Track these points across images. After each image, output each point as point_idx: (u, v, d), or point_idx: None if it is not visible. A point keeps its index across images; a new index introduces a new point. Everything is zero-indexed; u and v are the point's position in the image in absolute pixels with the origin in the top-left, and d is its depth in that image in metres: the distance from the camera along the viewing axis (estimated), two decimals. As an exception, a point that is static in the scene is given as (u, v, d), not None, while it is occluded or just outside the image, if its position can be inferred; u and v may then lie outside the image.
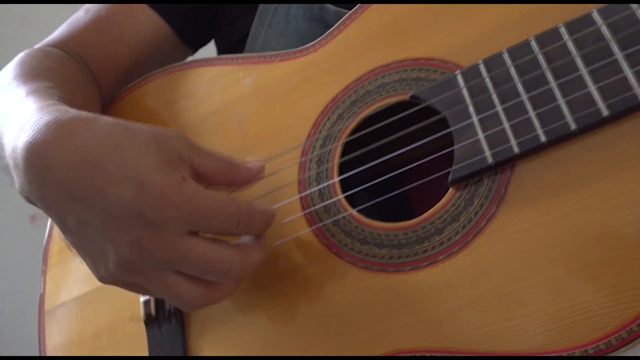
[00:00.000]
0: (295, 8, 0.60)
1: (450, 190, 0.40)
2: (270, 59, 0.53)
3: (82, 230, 0.37)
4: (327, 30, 0.51)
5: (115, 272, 0.37)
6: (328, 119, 0.48)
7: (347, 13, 0.51)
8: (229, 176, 0.41)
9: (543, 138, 0.36)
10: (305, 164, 0.47)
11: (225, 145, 0.52)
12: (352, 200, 0.45)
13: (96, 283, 0.54)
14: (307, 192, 0.46)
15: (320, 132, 0.47)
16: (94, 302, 0.54)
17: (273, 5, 0.61)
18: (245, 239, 0.41)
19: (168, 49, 0.66)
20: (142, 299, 0.50)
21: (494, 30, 0.42)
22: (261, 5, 0.62)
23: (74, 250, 0.39)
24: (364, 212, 0.44)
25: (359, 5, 0.50)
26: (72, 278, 0.56)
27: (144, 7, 0.64)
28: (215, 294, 0.39)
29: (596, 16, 0.37)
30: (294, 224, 0.45)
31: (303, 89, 0.50)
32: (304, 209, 0.45)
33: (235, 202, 0.38)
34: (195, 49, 0.70)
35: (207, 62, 0.57)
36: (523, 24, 0.41)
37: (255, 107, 0.52)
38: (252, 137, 0.51)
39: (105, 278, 0.38)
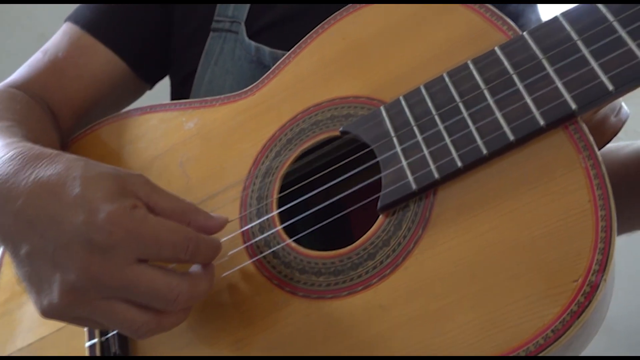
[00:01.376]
0: (239, 50, 0.63)
1: (380, 216, 0.42)
2: (211, 104, 0.56)
3: (33, 260, 0.37)
4: (265, 70, 0.54)
5: (61, 302, 0.37)
6: (267, 156, 0.50)
7: (281, 54, 0.54)
8: (185, 219, 0.41)
9: (459, 163, 0.40)
10: (246, 199, 0.49)
11: (170, 188, 0.53)
12: (299, 233, 0.47)
13: (41, 332, 0.54)
14: (248, 226, 0.47)
15: (259, 169, 0.50)
16: (39, 352, 0.54)
17: (219, 44, 0.64)
18: (194, 268, 0.42)
19: (126, 84, 0.68)
20: (87, 344, 0.50)
21: (412, 69, 0.46)
22: (208, 43, 0.65)
23: (23, 283, 0.39)
24: (309, 242, 0.46)
25: (291, 50, 0.53)
26: (17, 328, 0.56)
27: (99, 46, 0.66)
28: (165, 321, 0.39)
29: (498, 51, 0.41)
30: (236, 258, 0.47)
31: (242, 130, 0.53)
32: (245, 242, 0.47)
33: (184, 229, 0.39)
34: (152, 83, 0.72)
35: (151, 108, 0.59)
36: (437, 62, 0.45)
37: (197, 150, 0.54)
38: (195, 178, 0.53)
39: (48, 311, 0.38)
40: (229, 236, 0.48)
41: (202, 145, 0.54)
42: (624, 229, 0.53)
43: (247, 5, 0.65)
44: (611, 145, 0.51)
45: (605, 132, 0.45)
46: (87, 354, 0.50)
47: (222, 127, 0.54)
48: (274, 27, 0.64)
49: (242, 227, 0.48)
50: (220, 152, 0.53)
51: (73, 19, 0.67)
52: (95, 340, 0.49)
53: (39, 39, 0.67)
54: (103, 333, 0.49)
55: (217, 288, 0.46)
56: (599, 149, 0.46)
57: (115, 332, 0.49)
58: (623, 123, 0.47)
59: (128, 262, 0.36)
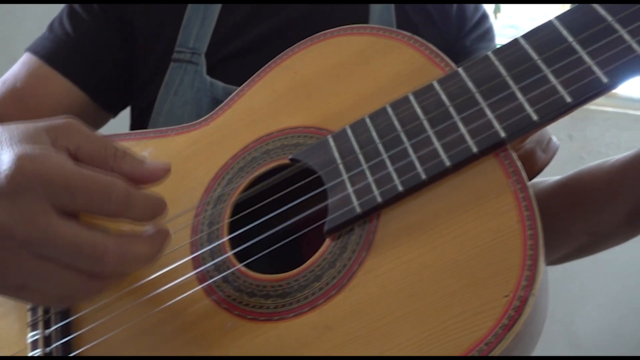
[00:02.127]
0: (198, 82, 0.65)
1: (327, 240, 0.44)
2: (166, 134, 0.57)
3: None
4: (219, 104, 0.56)
5: None
6: (219, 184, 0.51)
7: (234, 89, 0.56)
8: (107, 163, 0.38)
9: (400, 188, 0.42)
10: (197, 225, 0.50)
11: (122, 215, 0.54)
12: (253, 257, 0.48)
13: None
14: (199, 252, 0.48)
15: (211, 196, 0.51)
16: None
17: (179, 75, 0.66)
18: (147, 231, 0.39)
19: (87, 114, 0.68)
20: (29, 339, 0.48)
21: (358, 101, 0.49)
22: (168, 73, 0.66)
23: None
24: (264, 266, 0.47)
25: (245, 83, 0.55)
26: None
27: (57, 76, 0.66)
28: (92, 285, 0.36)
29: (436, 85, 0.44)
30: (187, 284, 0.47)
31: (196, 158, 0.54)
32: (195, 268, 0.48)
33: (107, 177, 0.36)
34: (115, 112, 0.73)
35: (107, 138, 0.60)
36: (381, 95, 0.48)
37: (151, 178, 0.55)
38: (147, 205, 0.53)
39: None
40: (180, 262, 0.48)
41: (155, 174, 0.55)
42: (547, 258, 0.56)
43: (209, 37, 0.67)
44: (533, 181, 0.54)
45: (533, 165, 0.49)
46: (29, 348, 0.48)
47: (177, 156, 0.55)
48: (234, 60, 0.66)
49: (192, 253, 0.48)
50: (174, 181, 0.53)
51: (32, 49, 0.67)
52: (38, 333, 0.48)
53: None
54: (46, 326, 0.48)
55: (166, 313, 0.46)
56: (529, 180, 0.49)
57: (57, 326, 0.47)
58: (552, 155, 0.51)
59: (44, 212, 0.33)
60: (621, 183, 0.47)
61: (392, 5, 0.68)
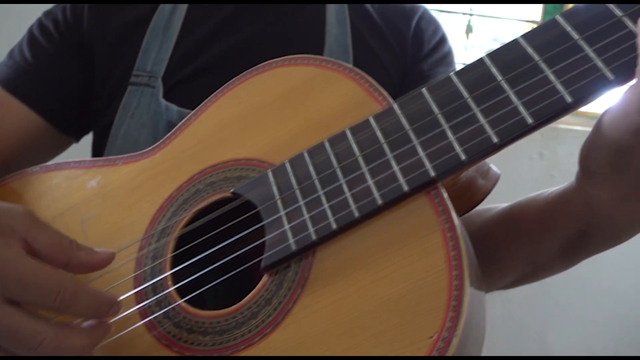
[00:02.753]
0: (154, 104, 0.65)
1: (264, 276, 0.44)
2: (114, 162, 0.57)
3: None
4: (173, 128, 0.56)
5: None
6: (163, 216, 0.51)
7: (188, 112, 0.56)
8: (66, 256, 0.40)
9: (334, 226, 0.42)
10: (141, 259, 0.50)
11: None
12: (194, 293, 0.48)
13: None
14: (142, 287, 0.48)
15: (155, 229, 0.51)
16: None
17: (136, 98, 0.66)
18: (87, 323, 0.40)
19: (47, 139, 0.68)
20: None
21: (300, 134, 0.49)
22: (126, 96, 0.66)
23: None
24: (215, 299, 0.47)
25: (192, 112, 0.56)
26: None
27: (14, 102, 0.66)
28: None
29: (372, 121, 0.45)
30: (129, 319, 0.47)
31: (142, 189, 0.54)
32: (138, 303, 0.48)
33: (59, 275, 0.37)
34: (77, 136, 0.73)
35: (56, 166, 0.60)
36: (322, 128, 0.48)
37: (98, 209, 0.55)
38: (94, 238, 0.53)
39: None
40: (123, 296, 0.48)
41: (102, 205, 0.55)
42: (494, 283, 0.56)
43: (166, 61, 0.67)
44: (480, 208, 0.55)
45: (475, 193, 0.49)
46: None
47: (124, 186, 0.55)
48: (188, 83, 0.66)
49: (135, 288, 0.49)
50: (119, 212, 0.54)
51: None
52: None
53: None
54: None
55: (108, 349, 0.47)
56: (470, 209, 0.50)
57: None
58: (493, 183, 0.51)
59: None
60: (555, 216, 0.48)
61: (349, 29, 0.69)
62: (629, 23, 0.38)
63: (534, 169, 1.57)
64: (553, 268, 0.52)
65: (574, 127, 1.68)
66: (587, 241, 0.48)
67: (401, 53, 0.70)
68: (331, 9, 0.69)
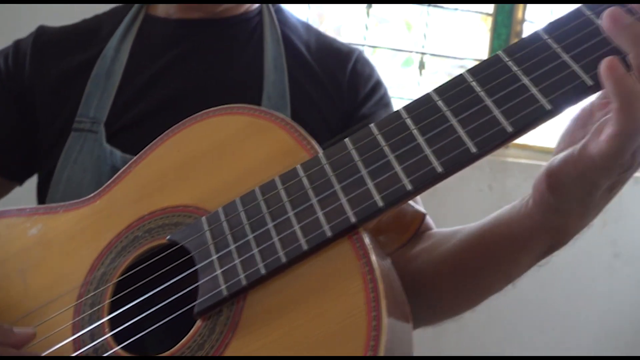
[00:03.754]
0: (98, 150, 0.66)
1: (198, 321, 0.46)
2: (56, 210, 0.58)
3: None
4: (116, 173, 0.58)
5: None
6: (102, 263, 0.53)
7: (131, 157, 0.58)
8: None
9: (263, 271, 0.44)
10: (80, 306, 0.51)
11: (9, 296, 0.54)
12: (132, 339, 0.49)
13: None
14: (80, 334, 0.49)
15: (94, 276, 0.52)
16: None
17: (79, 144, 0.67)
18: None
19: None
20: None
21: (234, 181, 0.51)
22: (69, 142, 0.68)
23: None
24: (164, 344, 0.48)
25: (132, 160, 0.57)
26: None
27: None
28: None
29: (299, 169, 0.48)
30: (65, 366, 0.48)
31: (82, 237, 0.55)
32: (75, 350, 0.49)
33: None
34: (19, 180, 0.74)
35: (-2, 214, 0.61)
36: (255, 175, 0.50)
37: (38, 257, 0.56)
38: (34, 287, 0.54)
39: None
40: (61, 344, 0.49)
41: (43, 253, 0.56)
42: (472, 303, 0.59)
43: (108, 107, 0.69)
44: (445, 232, 0.58)
45: (407, 225, 0.52)
46: None
47: (64, 234, 0.56)
48: (131, 129, 0.68)
49: (74, 334, 0.49)
50: (59, 260, 0.55)
51: None
52: None
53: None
54: None
55: (44, 398, 0.47)
56: (405, 242, 0.53)
57: None
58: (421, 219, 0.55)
59: None
60: (525, 237, 0.50)
61: (286, 75, 0.72)
62: (563, 55, 0.42)
63: (484, 201, 1.64)
64: (522, 274, 0.55)
65: (521, 160, 1.76)
66: (555, 250, 0.51)
67: (338, 98, 0.73)
68: (269, 55, 0.72)
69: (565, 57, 0.42)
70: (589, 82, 0.41)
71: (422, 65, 1.96)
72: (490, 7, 1.99)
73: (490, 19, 1.99)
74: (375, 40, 2.01)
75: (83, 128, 0.68)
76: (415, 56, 1.99)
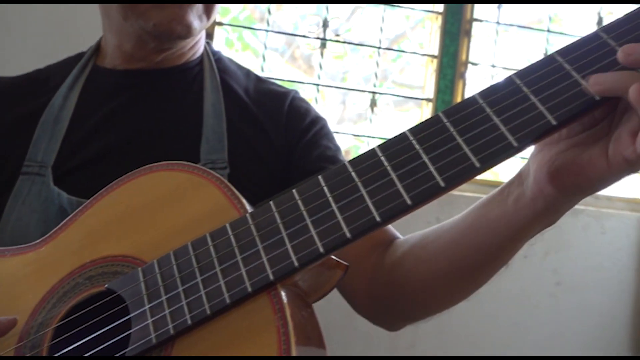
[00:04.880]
0: (45, 191, 0.70)
1: (129, 366, 0.50)
2: (3, 254, 0.62)
3: None
4: (67, 215, 0.62)
5: None
6: (44, 308, 0.56)
7: (76, 201, 0.62)
8: None
9: (189, 322, 0.49)
10: (20, 350, 0.54)
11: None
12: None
13: None
14: (19, 376, 0.53)
15: (35, 321, 0.56)
16: None
17: (28, 186, 0.71)
18: None
19: None
20: None
21: (171, 235, 0.56)
22: (17, 185, 0.71)
23: None
24: None
25: (78, 209, 0.62)
26: None
27: None
28: None
29: (228, 228, 0.53)
30: (4, 407, 0.52)
31: (27, 282, 0.59)
32: (14, 392, 0.52)
33: None
34: None
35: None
36: (189, 230, 0.55)
37: (-17, 299, 0.59)
38: (-22, 327, 0.57)
39: None
40: (1, 385, 0.53)
41: (-12, 295, 0.59)
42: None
43: (55, 151, 0.73)
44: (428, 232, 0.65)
45: (323, 284, 0.57)
46: None
47: (10, 278, 0.60)
48: (77, 172, 0.72)
49: (13, 377, 0.53)
50: (5, 303, 0.58)
51: None
52: None
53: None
54: None
55: None
56: (323, 296, 0.58)
57: None
58: (342, 273, 0.60)
59: None
60: (536, 216, 0.54)
61: (224, 119, 0.77)
62: (494, 117, 0.47)
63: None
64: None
65: (467, 193, 1.85)
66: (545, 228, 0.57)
67: (276, 137, 0.78)
68: (208, 101, 0.78)
69: (496, 119, 0.47)
70: (553, 122, 0.46)
71: (373, 103, 2.06)
72: (435, 49, 2.10)
73: (435, 61, 2.10)
74: (327, 80, 2.10)
75: (31, 172, 0.72)
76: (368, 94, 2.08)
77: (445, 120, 0.49)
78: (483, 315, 1.93)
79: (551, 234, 2.05)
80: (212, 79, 0.80)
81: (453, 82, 2.05)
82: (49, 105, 0.75)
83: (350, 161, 0.51)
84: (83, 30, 1.12)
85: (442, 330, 1.90)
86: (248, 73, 0.86)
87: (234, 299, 0.49)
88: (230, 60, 0.87)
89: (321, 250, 0.49)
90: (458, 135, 0.48)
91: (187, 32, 0.74)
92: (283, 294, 0.49)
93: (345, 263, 0.60)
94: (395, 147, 0.50)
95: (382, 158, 0.50)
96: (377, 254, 0.72)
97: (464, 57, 2.10)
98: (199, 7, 0.74)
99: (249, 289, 0.49)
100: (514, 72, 0.50)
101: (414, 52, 2.16)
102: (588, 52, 0.47)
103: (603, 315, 2.07)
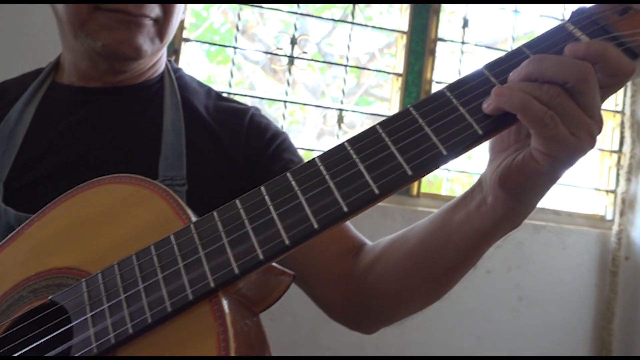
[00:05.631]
0: None
1: (70, 377, 0.50)
2: (-51, 270, 0.61)
3: None
4: (11, 232, 0.62)
5: None
6: (-13, 321, 0.56)
7: (24, 217, 0.62)
8: None
9: (130, 331, 0.50)
10: (-39, 364, 0.54)
11: None
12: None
13: None
14: (-42, 390, 0.52)
15: (-22, 334, 0.55)
16: None
17: None
18: None
19: None
20: None
21: (116, 246, 0.56)
22: None
23: None
24: None
25: (25, 223, 0.62)
26: None
27: None
28: None
29: (172, 238, 0.53)
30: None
31: (-30, 295, 0.58)
32: (-48, 406, 0.52)
33: None
34: None
35: None
36: (135, 241, 0.56)
37: None
38: None
39: None
40: (-61, 400, 0.52)
41: None
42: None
43: (9, 167, 0.73)
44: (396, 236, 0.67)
45: (269, 293, 0.58)
46: None
47: (-47, 292, 0.59)
48: (26, 189, 0.72)
49: (-47, 391, 0.52)
50: (-54, 318, 0.58)
51: None
52: None
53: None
54: None
55: None
56: (270, 305, 0.59)
57: None
58: (288, 283, 0.61)
59: None
60: (498, 219, 0.56)
61: (183, 136, 0.78)
62: (427, 129, 0.49)
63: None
64: None
65: (432, 209, 1.89)
66: (511, 231, 0.59)
67: (235, 152, 0.79)
68: (168, 118, 0.79)
69: (428, 130, 0.49)
70: (480, 132, 0.48)
71: (340, 119, 2.09)
72: (400, 67, 2.15)
73: (401, 79, 2.15)
74: (307, 95, 2.13)
75: None
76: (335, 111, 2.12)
77: (380, 130, 0.52)
78: (446, 330, 1.95)
79: (513, 249, 2.13)
80: (173, 97, 0.81)
81: (418, 99, 2.11)
82: (5, 120, 0.75)
83: (291, 170, 0.53)
84: (45, 46, 1.12)
85: (405, 346, 1.92)
86: (209, 91, 0.87)
87: (175, 307, 0.50)
88: (192, 78, 0.89)
89: (261, 257, 0.50)
90: (392, 144, 0.50)
91: (137, 54, 0.75)
92: (224, 301, 0.50)
93: (291, 272, 0.62)
94: (334, 156, 0.52)
95: (322, 167, 0.52)
96: (348, 262, 0.74)
97: (428, 75, 2.15)
98: (150, 30, 0.75)
99: (190, 297, 0.50)
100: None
101: (380, 70, 2.21)
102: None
103: (564, 330, 2.11)
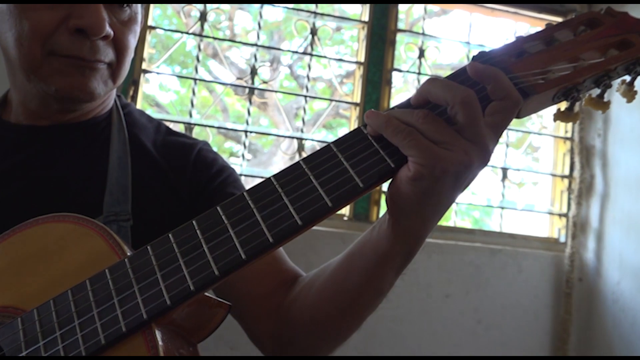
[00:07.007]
0: None
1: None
2: None
3: None
4: None
5: None
6: None
7: None
8: None
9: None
10: None
11: None
12: None
13: None
14: None
15: None
16: None
17: None
18: None
19: None
20: None
21: (52, 283, 0.58)
22: None
23: None
24: None
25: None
26: None
27: None
28: None
29: (107, 272, 0.55)
30: None
31: None
32: None
33: None
34: None
35: None
36: (72, 277, 0.57)
37: None
38: None
39: None
40: None
41: None
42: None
43: None
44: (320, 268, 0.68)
45: (206, 322, 0.60)
46: None
47: None
48: None
49: None
50: None
51: None
52: None
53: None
54: None
55: None
56: (207, 335, 0.61)
57: None
58: (226, 311, 0.63)
59: None
60: (390, 242, 0.59)
61: (129, 171, 0.79)
62: (343, 160, 0.53)
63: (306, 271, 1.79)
64: (390, 287, 0.65)
65: (332, 229, 1.96)
66: (411, 257, 0.61)
67: (181, 186, 0.81)
68: (114, 154, 0.80)
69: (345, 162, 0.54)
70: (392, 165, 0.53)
71: (301, 147, 2.13)
72: (358, 97, 2.22)
73: (358, 108, 2.21)
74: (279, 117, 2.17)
75: None
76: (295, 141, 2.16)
77: (304, 166, 0.55)
78: (406, 354, 1.97)
79: (471, 273, 2.17)
80: (120, 133, 0.82)
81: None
82: None
83: (221, 205, 0.55)
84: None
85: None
86: (159, 126, 0.89)
87: (109, 339, 0.51)
88: (142, 113, 0.90)
89: (192, 288, 0.52)
90: (314, 178, 0.54)
91: (91, 98, 0.76)
92: (158, 332, 0.52)
93: (227, 302, 0.63)
94: (261, 191, 0.55)
95: (249, 201, 0.54)
96: (281, 294, 0.76)
97: (385, 104, 2.22)
98: (104, 73, 0.76)
99: (124, 329, 0.51)
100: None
101: (338, 100, 2.27)
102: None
103: (522, 351, 2.15)
